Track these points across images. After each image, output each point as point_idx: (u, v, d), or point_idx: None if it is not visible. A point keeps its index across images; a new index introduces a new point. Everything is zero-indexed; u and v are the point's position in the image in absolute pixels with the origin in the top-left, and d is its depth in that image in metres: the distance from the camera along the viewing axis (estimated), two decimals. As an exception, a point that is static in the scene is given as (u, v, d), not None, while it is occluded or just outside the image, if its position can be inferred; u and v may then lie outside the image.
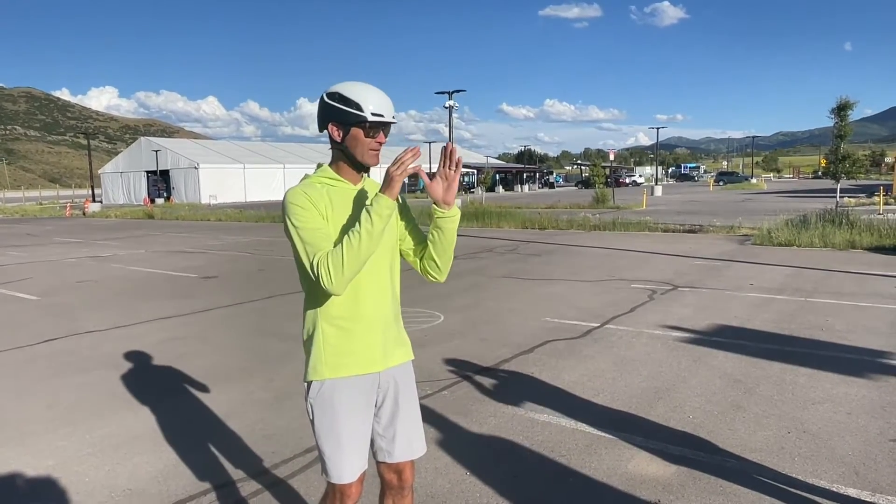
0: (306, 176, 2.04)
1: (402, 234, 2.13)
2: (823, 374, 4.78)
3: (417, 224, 2.17)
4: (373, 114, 1.91)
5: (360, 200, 1.99)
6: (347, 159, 1.99)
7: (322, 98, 1.97)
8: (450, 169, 1.97)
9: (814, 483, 3.15)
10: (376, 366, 2.02)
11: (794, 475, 3.23)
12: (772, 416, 4.01)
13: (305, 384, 2.02)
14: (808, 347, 5.53)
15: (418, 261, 2.14)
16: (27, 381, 5.24)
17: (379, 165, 1.97)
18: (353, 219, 1.93)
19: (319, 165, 2.06)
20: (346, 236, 1.84)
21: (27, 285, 10.37)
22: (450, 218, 2.03)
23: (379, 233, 1.84)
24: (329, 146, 2.01)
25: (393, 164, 1.84)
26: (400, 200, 2.16)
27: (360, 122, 1.91)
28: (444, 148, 2.00)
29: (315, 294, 1.97)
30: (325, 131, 1.98)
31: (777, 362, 5.10)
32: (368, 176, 2.10)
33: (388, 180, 1.85)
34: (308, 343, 2.02)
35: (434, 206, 2.02)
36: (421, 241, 2.13)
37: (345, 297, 1.94)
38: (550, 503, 3.07)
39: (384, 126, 1.96)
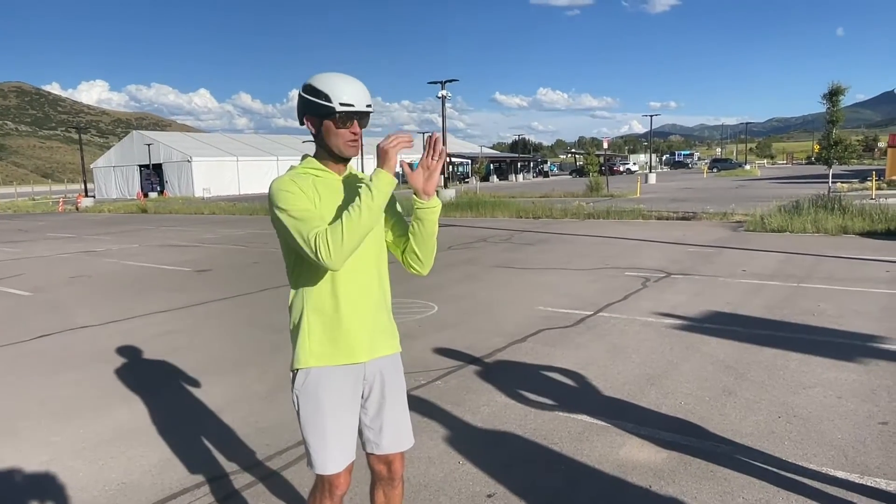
0: (292, 167, 2.03)
1: (385, 226, 2.12)
2: (814, 359, 4.81)
3: (402, 216, 2.16)
4: (342, 104, 1.88)
5: (347, 189, 1.98)
6: (326, 151, 1.98)
7: (299, 91, 1.96)
8: (432, 159, 1.96)
9: (804, 466, 3.18)
10: (362, 356, 2.02)
11: (784, 458, 3.26)
12: (762, 401, 4.04)
13: (291, 374, 2.03)
14: (800, 332, 5.56)
15: (401, 253, 2.13)
16: (21, 376, 5.24)
17: (370, 156, 1.95)
18: (342, 208, 1.91)
19: (305, 157, 2.05)
20: (345, 210, 1.82)
21: (20, 281, 10.33)
22: (430, 209, 2.00)
23: (379, 208, 1.82)
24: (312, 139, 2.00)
25: (386, 139, 1.82)
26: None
27: (330, 113, 1.89)
28: (429, 137, 1.97)
29: (302, 283, 1.97)
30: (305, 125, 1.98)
31: (768, 348, 5.13)
32: (352, 166, 2.09)
33: (381, 155, 1.83)
34: (294, 332, 2.02)
35: (414, 196, 2.01)
36: (404, 233, 2.11)
37: (330, 287, 1.94)
38: (543, 491, 3.09)
39: (358, 116, 1.93)
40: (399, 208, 2.16)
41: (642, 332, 5.77)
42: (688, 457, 3.32)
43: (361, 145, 2.01)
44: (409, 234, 2.07)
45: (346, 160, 2.00)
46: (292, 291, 2.03)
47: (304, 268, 1.92)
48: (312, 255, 1.81)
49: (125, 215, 30.78)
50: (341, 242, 1.79)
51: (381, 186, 1.81)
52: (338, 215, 1.88)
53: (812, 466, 3.17)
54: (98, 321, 7.13)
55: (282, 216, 1.87)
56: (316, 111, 1.91)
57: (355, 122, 1.92)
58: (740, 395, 4.17)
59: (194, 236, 17.70)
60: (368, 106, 1.93)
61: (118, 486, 3.27)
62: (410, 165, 2.02)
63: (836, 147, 17.02)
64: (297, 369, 2.00)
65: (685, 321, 6.10)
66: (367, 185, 1.83)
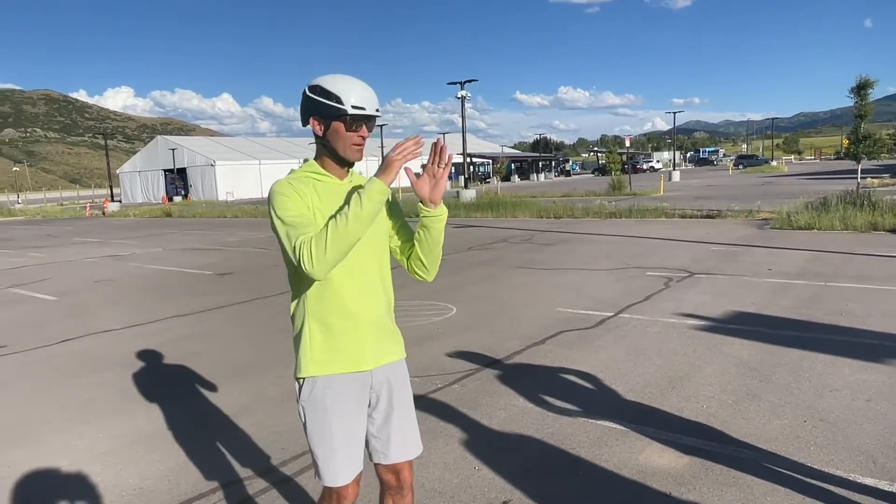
0: (292, 171, 2.00)
1: (389, 232, 2.08)
2: (842, 361, 4.67)
3: (406, 222, 2.12)
4: (353, 106, 1.85)
5: (346, 195, 1.95)
6: (330, 154, 1.95)
7: (304, 91, 1.92)
8: (438, 166, 1.91)
9: (830, 472, 3.07)
10: (366, 364, 1.98)
11: (809, 465, 3.16)
12: (787, 405, 3.93)
13: (297, 385, 2.00)
14: (827, 333, 5.42)
15: (406, 259, 2.09)
16: (43, 381, 5.31)
17: (365, 160, 1.91)
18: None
19: (305, 160, 2.03)
20: (331, 218, 1.79)
21: (46, 286, 10.51)
22: (436, 217, 1.96)
23: (368, 217, 1.77)
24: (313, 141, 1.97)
25: (393, 149, 1.78)
26: (390, 197, 2.11)
27: (341, 115, 1.86)
28: (434, 144, 1.93)
29: (303, 290, 1.93)
30: (309, 126, 1.94)
31: (794, 349, 5.00)
32: (354, 171, 2.05)
33: (385, 164, 1.78)
34: (297, 340, 1.99)
35: (420, 204, 1.96)
36: (409, 239, 2.07)
37: (332, 294, 1.91)
38: (561, 497, 3.03)
39: (367, 119, 1.90)
40: (402, 212, 2.13)
41: (664, 334, 5.67)
42: (709, 462, 3.24)
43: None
44: (415, 241, 2.02)
45: (349, 164, 1.97)
46: (294, 298, 2.00)
47: (304, 274, 1.90)
48: (295, 263, 1.78)
49: (150, 219, 31.25)
50: (324, 252, 1.75)
51: (373, 195, 1.77)
52: None
53: (839, 473, 3.07)
54: (120, 325, 7.21)
55: (276, 221, 1.85)
56: (324, 112, 1.88)
57: (364, 126, 1.90)
58: (764, 398, 4.06)
59: (217, 239, 17.88)
60: (377, 110, 1.91)
61: (135, 492, 3.28)
62: (417, 175, 1.97)
63: (865, 142, 16.65)
64: (302, 378, 1.97)
65: (708, 322, 5.98)
66: (358, 193, 1.79)
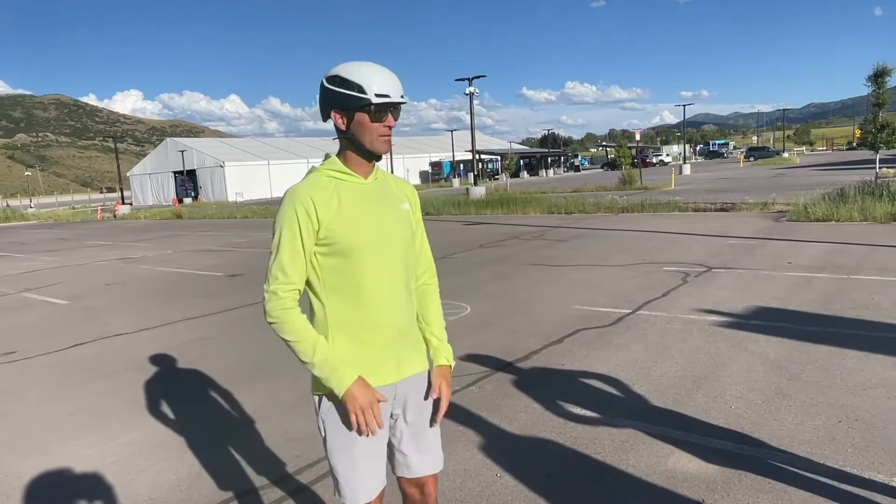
0: (313, 168, 1.85)
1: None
2: (873, 357, 4.51)
3: (426, 251, 2.05)
4: (377, 94, 1.72)
5: (371, 196, 1.82)
6: (356, 148, 1.80)
7: (322, 83, 1.78)
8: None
9: (870, 478, 2.92)
10: (391, 377, 1.86)
11: (848, 469, 3.01)
12: (820, 404, 3.78)
13: (315, 398, 1.87)
14: (855, 328, 5.25)
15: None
16: (54, 387, 5.23)
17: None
18: (365, 215, 1.78)
19: (327, 156, 1.89)
20: (301, 336, 1.77)
21: (57, 290, 10.48)
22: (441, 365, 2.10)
23: (301, 357, 1.78)
24: (335, 136, 1.84)
25: (358, 411, 1.75)
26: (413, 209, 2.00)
27: (365, 105, 1.72)
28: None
29: (324, 300, 1.80)
30: (330, 120, 1.80)
31: (822, 345, 4.84)
32: (379, 168, 1.92)
33: (345, 396, 1.76)
34: None
35: (434, 357, 2.04)
36: (421, 269, 2.02)
37: (356, 304, 1.78)
38: (587, 505, 2.91)
39: (392, 108, 1.76)
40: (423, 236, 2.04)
41: (685, 331, 5.52)
42: (742, 467, 3.09)
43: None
44: (419, 308, 2.02)
45: (376, 158, 1.83)
46: (312, 305, 1.86)
47: (327, 282, 1.78)
48: (264, 293, 1.79)
49: (161, 221, 31.30)
50: (276, 327, 1.76)
51: (320, 374, 1.77)
52: (359, 224, 1.76)
53: (880, 478, 2.92)
54: (131, 329, 7.14)
55: (274, 237, 1.78)
56: (347, 104, 1.74)
57: (389, 115, 1.77)
58: (795, 397, 3.91)
59: (227, 240, 17.83)
60: (402, 96, 1.78)
61: (146, 502, 3.18)
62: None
63: (882, 131, 16.36)
64: (322, 393, 1.84)
65: (730, 318, 5.82)
66: (319, 360, 1.76)
